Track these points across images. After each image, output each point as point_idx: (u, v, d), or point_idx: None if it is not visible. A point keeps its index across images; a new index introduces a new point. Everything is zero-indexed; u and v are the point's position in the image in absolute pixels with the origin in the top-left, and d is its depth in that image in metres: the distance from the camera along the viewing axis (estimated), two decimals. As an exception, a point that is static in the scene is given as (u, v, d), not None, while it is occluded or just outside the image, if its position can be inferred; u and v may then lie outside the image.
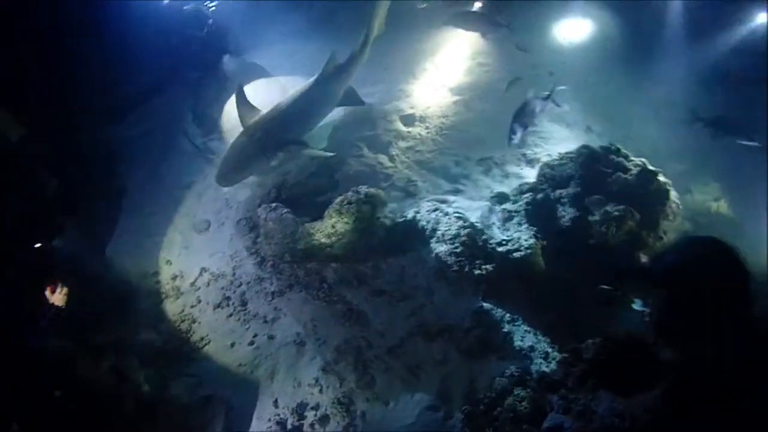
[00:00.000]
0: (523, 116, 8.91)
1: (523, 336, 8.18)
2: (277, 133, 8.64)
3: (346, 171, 10.01)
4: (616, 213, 8.53)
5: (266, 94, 11.02)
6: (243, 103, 9.78)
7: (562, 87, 9.85)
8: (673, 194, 9.25)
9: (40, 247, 7.81)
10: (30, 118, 8.95)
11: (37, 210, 8.02)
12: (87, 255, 8.69)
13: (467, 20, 11.81)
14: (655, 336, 4.28)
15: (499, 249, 8.47)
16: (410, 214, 9.09)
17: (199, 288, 9.03)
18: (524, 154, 10.99)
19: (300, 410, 7.51)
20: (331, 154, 9.66)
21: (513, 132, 8.83)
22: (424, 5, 13.36)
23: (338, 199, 8.60)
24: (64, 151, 9.49)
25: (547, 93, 9.36)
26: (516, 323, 8.19)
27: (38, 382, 6.30)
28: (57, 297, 7.25)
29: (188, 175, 10.78)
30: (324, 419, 7.40)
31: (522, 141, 9.44)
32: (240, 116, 9.62)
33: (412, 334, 8.07)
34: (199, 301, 8.84)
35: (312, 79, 9.47)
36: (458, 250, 8.25)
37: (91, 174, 9.88)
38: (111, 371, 7.12)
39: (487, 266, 8.16)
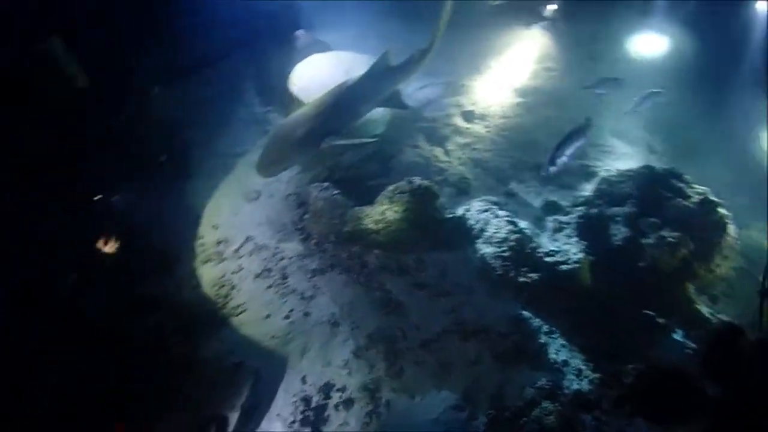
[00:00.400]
0: (569, 145, 8.06)
1: (559, 349, 8.07)
2: (318, 127, 8.50)
3: (400, 159, 9.94)
4: (671, 239, 8.34)
5: (328, 70, 10.96)
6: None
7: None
8: (732, 228, 9.00)
9: (99, 200, 7.92)
10: (96, 71, 9.00)
11: (100, 164, 8.10)
12: (140, 212, 8.75)
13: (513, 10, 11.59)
14: (702, 369, 4.15)
15: (547, 259, 8.38)
16: (460, 211, 9.02)
17: (242, 256, 9.06)
18: (583, 166, 10.78)
19: (326, 390, 7.47)
20: (372, 140, 9.44)
21: (552, 161, 7.98)
22: (497, 2, 13.19)
23: (391, 187, 8.55)
24: (127, 108, 9.56)
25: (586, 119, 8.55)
26: (553, 335, 8.08)
27: (80, 330, 6.39)
28: (108, 250, 7.35)
29: (243, 143, 10.78)
30: (348, 402, 7.36)
31: (560, 172, 8.27)
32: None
33: (448, 331, 8.00)
34: (241, 269, 8.85)
35: (360, 75, 9.28)
36: (505, 255, 8.16)
37: (150, 134, 9.95)
38: (149, 326, 7.18)
39: (533, 275, 8.06)
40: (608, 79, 10.23)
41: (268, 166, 8.34)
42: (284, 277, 8.60)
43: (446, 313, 8.18)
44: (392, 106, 9.84)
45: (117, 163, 8.60)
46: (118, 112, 9.22)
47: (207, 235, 9.41)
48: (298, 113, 8.63)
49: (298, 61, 10.95)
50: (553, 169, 7.92)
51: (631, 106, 9.93)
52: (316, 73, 10.76)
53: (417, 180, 8.58)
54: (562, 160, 7.90)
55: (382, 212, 8.39)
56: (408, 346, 7.87)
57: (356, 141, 8.95)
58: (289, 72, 10.93)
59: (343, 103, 8.57)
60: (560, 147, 7.92)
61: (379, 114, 10.34)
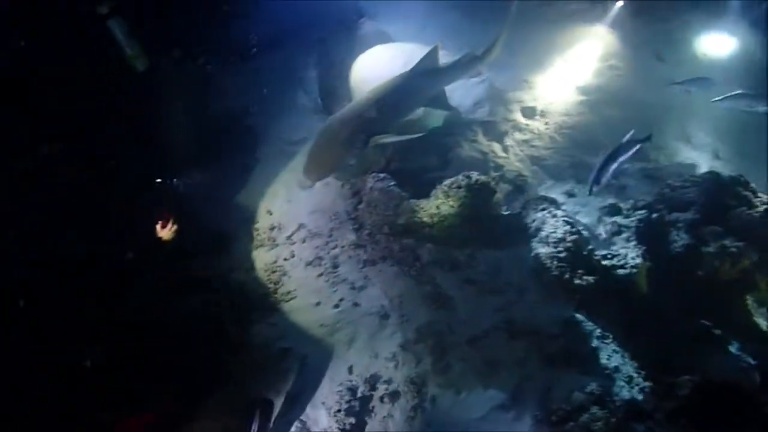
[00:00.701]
0: (614, 161, 7.52)
1: (610, 355, 7.89)
2: (363, 127, 8.37)
3: (457, 153, 9.85)
4: (734, 249, 8.07)
5: (390, 62, 10.90)
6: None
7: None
8: (798, 241, 8.65)
9: (161, 182, 8.05)
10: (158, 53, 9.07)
11: (163, 145, 8.20)
12: (199, 196, 8.84)
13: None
14: (760, 384, 3.99)
15: (604, 262, 8.18)
16: (516, 209, 8.88)
17: (295, 243, 9.10)
18: (644, 169, 10.52)
19: (372, 381, 7.46)
20: (418, 135, 9.01)
21: (597, 180, 7.46)
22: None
23: (448, 181, 8.47)
24: (188, 90, 9.64)
25: (647, 135, 8.18)
26: (605, 340, 7.91)
27: (133, 307, 6.48)
28: (165, 230, 7.47)
29: (302, 130, 10.80)
30: (394, 395, 7.33)
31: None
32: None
33: (497, 329, 7.88)
34: (293, 256, 8.89)
35: (405, 73, 9.00)
36: (561, 255, 8.00)
37: (212, 118, 10.02)
38: (201, 306, 7.26)
39: (589, 278, 7.88)
40: (699, 79, 9.90)
41: (315, 170, 8.24)
42: (335, 266, 8.61)
43: (496, 311, 8.07)
44: (437, 106, 9.67)
45: (179, 147, 8.68)
46: (180, 95, 9.29)
47: (262, 220, 9.49)
48: (342, 113, 8.55)
49: (361, 51, 10.90)
50: (596, 188, 7.52)
51: (721, 102, 9.44)
52: (378, 65, 10.71)
53: (474, 175, 8.46)
54: (607, 177, 7.49)
55: (437, 206, 8.32)
56: (456, 342, 7.79)
57: (404, 138, 8.74)
58: (351, 62, 10.91)
59: (389, 102, 8.46)
60: (605, 165, 7.47)
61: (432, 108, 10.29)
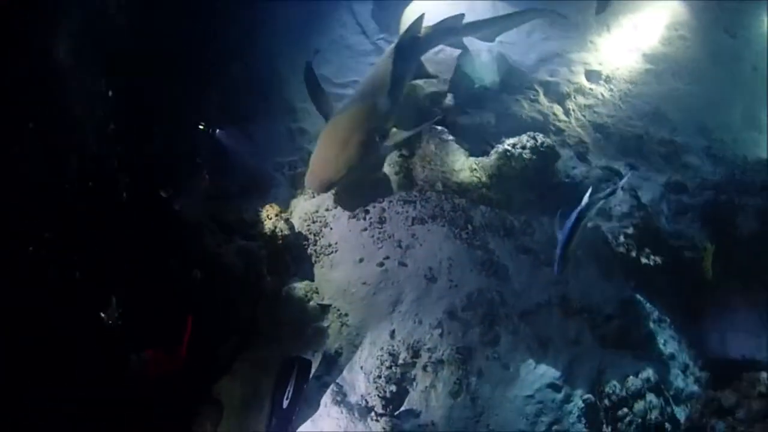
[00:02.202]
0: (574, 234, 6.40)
1: (667, 341, 7.51)
2: (376, 127, 7.73)
3: (516, 112, 9.22)
4: (807, 238, 7.51)
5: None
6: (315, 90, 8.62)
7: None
8: None
9: (203, 128, 7.51)
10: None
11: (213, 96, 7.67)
12: (243, 143, 8.24)
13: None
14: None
15: (671, 242, 7.60)
16: (579, 177, 8.27)
17: (338, 192, 8.49)
18: (708, 147, 9.88)
19: (416, 348, 6.94)
20: (436, 118, 8.35)
21: (561, 264, 6.34)
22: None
23: (511, 141, 7.85)
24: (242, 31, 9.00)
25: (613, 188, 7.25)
26: (662, 324, 7.51)
27: (171, 251, 5.98)
28: (206, 172, 6.99)
29: (353, 74, 10.05)
30: (438, 364, 6.84)
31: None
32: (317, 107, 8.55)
33: (550, 304, 7.46)
34: (335, 206, 8.31)
35: (391, 52, 8.30)
36: (629, 232, 7.44)
37: (254, 52, 9.36)
38: (239, 253, 6.74)
39: (656, 258, 7.33)
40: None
41: (324, 183, 7.62)
42: (381, 222, 8.02)
43: (550, 284, 7.59)
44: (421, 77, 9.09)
45: (225, 95, 8.12)
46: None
47: (304, 165, 8.87)
48: (348, 107, 7.95)
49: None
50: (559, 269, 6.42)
51: None
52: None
53: (540, 137, 7.85)
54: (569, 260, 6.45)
55: (498, 166, 7.72)
56: (506, 313, 7.31)
57: (421, 127, 8.09)
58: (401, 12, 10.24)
59: (392, 87, 7.89)
60: (567, 243, 6.35)
61: (494, 61, 9.65)
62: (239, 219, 7.32)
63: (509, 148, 7.73)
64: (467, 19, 9.13)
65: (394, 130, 7.79)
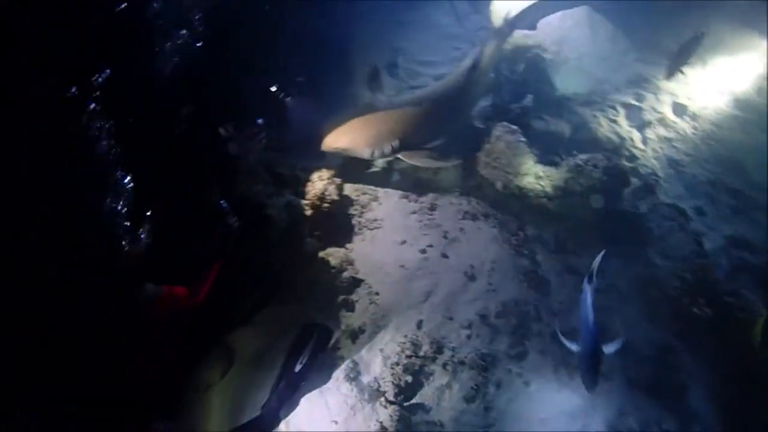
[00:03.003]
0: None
1: (698, 399, 7.05)
2: (398, 139, 7.58)
3: (593, 128, 8.83)
4: None
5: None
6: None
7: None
8: None
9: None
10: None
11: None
12: (303, 104, 7.99)
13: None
14: None
15: (725, 299, 7.20)
16: (643, 208, 7.89)
17: (395, 169, 8.25)
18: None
19: (440, 344, 6.71)
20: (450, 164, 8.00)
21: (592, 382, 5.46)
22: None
23: (584, 156, 7.53)
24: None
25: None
26: (698, 382, 7.06)
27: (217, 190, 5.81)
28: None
29: (434, 54, 9.71)
30: (459, 365, 6.60)
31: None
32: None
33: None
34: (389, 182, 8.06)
35: (454, 77, 8.10)
36: (686, 277, 7.05)
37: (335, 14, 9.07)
38: (285, 208, 6.54)
39: (708, 310, 6.94)
40: None
41: (335, 142, 7.55)
42: (432, 208, 7.77)
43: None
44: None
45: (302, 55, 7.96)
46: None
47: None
48: (390, 110, 7.86)
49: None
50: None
51: None
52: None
53: (615, 159, 7.52)
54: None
55: (565, 179, 7.38)
56: (539, 330, 7.04)
57: (434, 165, 7.81)
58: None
59: (435, 117, 7.85)
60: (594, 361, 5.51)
61: (581, 73, 9.28)
62: (293, 175, 7.12)
63: (581, 163, 7.39)
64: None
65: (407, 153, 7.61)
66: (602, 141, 8.64)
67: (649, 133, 9.15)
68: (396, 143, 7.49)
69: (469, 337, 6.82)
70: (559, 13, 9.81)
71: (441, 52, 9.46)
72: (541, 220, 7.64)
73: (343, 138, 7.51)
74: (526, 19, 8.65)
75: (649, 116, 9.31)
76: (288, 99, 7.80)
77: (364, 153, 7.53)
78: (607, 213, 7.61)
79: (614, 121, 9.06)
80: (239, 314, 6.35)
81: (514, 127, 7.71)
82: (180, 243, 5.65)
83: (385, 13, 9.61)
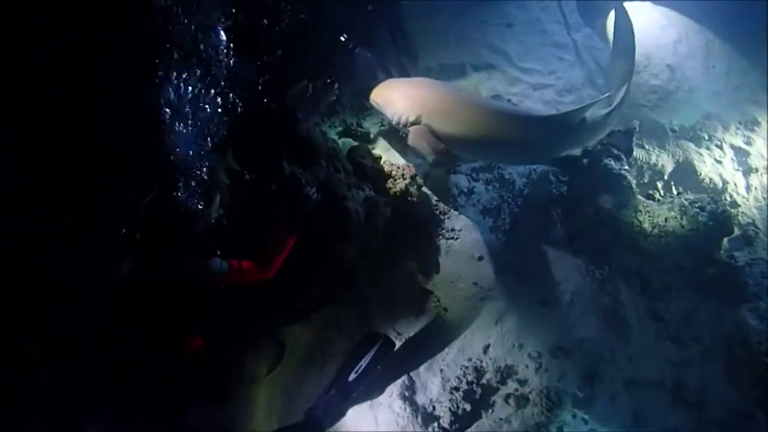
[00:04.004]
0: None
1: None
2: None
3: (695, 166, 8.14)
4: None
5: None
6: None
7: None
8: None
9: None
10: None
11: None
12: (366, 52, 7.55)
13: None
14: None
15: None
16: (741, 260, 7.25)
17: (479, 180, 7.64)
18: None
19: (505, 374, 6.26)
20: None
21: None
22: None
23: (691, 196, 6.94)
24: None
25: None
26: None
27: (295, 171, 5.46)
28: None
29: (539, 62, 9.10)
30: (521, 400, 6.15)
31: None
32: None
33: (661, 383, 6.59)
34: (472, 191, 7.49)
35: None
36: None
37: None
38: (364, 203, 6.13)
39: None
40: None
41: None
42: (514, 226, 7.26)
43: (669, 364, 6.72)
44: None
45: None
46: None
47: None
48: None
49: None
50: None
51: None
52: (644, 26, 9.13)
53: (723, 204, 6.89)
54: None
55: (666, 218, 6.78)
56: (611, 376, 6.54)
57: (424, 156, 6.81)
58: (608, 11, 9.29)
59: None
60: None
61: (687, 104, 8.66)
62: (375, 168, 6.68)
63: (686, 203, 6.79)
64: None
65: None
66: (704, 181, 7.98)
67: (754, 180, 8.43)
68: (417, 118, 6.59)
69: (537, 370, 6.35)
70: (674, 37, 9.18)
71: (543, 61, 8.87)
72: (632, 257, 7.06)
73: (382, 94, 6.84)
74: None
75: (756, 162, 8.58)
76: (357, 49, 7.32)
77: (390, 116, 6.81)
78: (704, 260, 6.99)
79: (719, 162, 8.38)
80: (298, 306, 5.96)
81: (616, 151, 7.11)
82: (253, 212, 5.29)
83: (490, 14, 9.07)
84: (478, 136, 6.56)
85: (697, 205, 6.76)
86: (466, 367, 6.17)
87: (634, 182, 7.07)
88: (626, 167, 7.02)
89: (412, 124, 6.58)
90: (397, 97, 6.68)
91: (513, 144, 6.77)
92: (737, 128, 8.81)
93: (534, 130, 6.74)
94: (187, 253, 4.78)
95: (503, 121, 6.66)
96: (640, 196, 7.00)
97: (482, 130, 6.56)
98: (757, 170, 8.51)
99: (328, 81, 6.95)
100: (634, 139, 7.37)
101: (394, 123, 6.74)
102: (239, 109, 5.08)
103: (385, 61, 7.73)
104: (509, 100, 8.22)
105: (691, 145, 8.32)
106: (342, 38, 7.04)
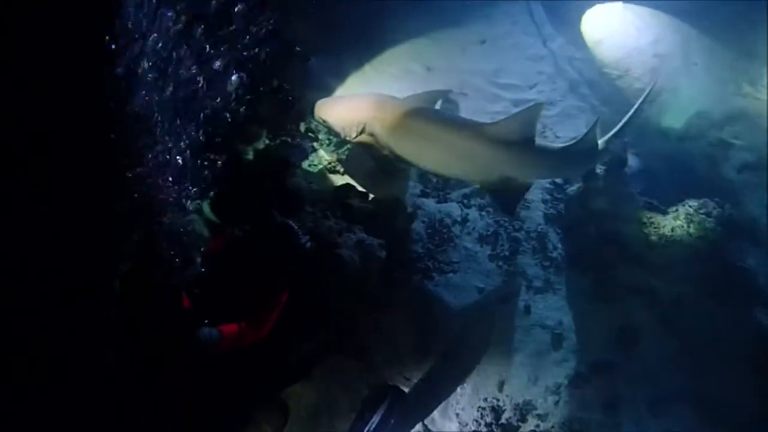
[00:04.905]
0: None
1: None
2: None
3: (692, 168, 7.91)
4: None
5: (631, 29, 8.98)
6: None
7: None
8: None
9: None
10: None
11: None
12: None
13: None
14: None
15: None
16: (751, 263, 6.99)
17: (471, 207, 7.31)
18: None
19: (524, 411, 5.93)
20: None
21: None
22: None
23: (695, 203, 6.69)
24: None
25: None
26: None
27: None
28: None
29: (516, 77, 8.78)
30: (545, 437, 5.79)
31: None
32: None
33: (684, 400, 6.29)
34: (466, 220, 7.18)
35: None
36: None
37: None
38: (357, 247, 5.76)
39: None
40: None
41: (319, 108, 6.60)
42: (513, 253, 6.93)
43: (692, 377, 6.42)
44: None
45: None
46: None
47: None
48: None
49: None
50: None
51: None
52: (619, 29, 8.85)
53: (728, 207, 6.63)
54: None
55: (672, 228, 6.51)
56: (632, 397, 6.24)
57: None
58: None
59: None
60: None
61: (674, 106, 8.41)
62: (364, 207, 6.32)
63: (692, 211, 6.52)
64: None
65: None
66: (703, 183, 7.72)
67: (752, 177, 8.18)
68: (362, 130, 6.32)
69: (556, 403, 6.03)
70: (651, 38, 8.93)
71: (521, 75, 8.56)
72: (639, 272, 6.76)
73: (327, 109, 6.59)
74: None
75: (749, 157, 8.35)
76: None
77: (338, 130, 6.54)
78: (713, 265, 6.71)
79: (713, 161, 8.14)
80: (297, 362, 5.57)
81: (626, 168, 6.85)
82: (237, 268, 4.90)
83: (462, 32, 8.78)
84: (419, 147, 6.19)
85: (702, 212, 6.52)
86: (483, 408, 5.86)
87: (634, 194, 6.79)
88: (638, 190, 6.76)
89: (358, 135, 6.34)
90: (343, 111, 6.44)
91: (457, 157, 6.17)
92: (727, 124, 8.55)
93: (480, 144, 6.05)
94: (170, 326, 4.40)
95: (447, 132, 6.17)
96: (643, 209, 6.72)
97: (423, 140, 6.17)
98: (752, 166, 8.27)
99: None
100: (628, 148, 7.12)
101: (342, 137, 6.48)
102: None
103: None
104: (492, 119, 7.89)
105: (684, 147, 8.08)
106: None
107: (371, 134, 6.25)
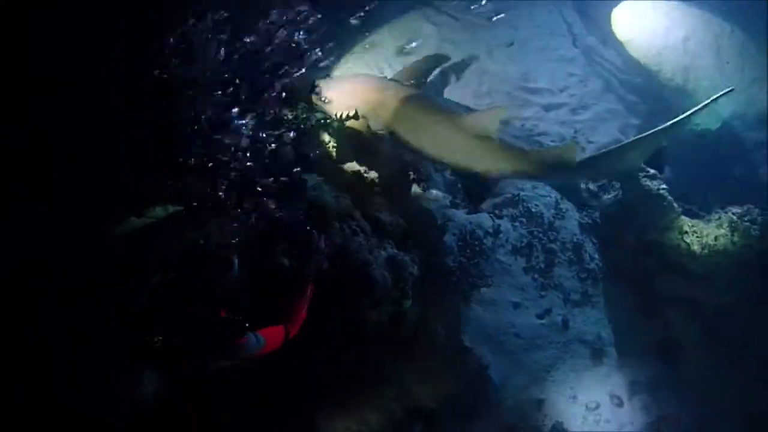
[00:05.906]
0: None
1: None
2: None
3: (729, 172, 7.63)
4: None
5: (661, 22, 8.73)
6: None
7: None
8: None
9: None
10: None
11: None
12: None
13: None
14: None
15: None
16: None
17: (502, 217, 7.04)
18: None
19: (563, 430, 5.67)
20: None
21: None
22: None
23: (737, 210, 6.40)
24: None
25: None
26: None
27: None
28: None
29: (546, 80, 8.47)
30: (585, 460, 5.56)
31: None
32: None
33: (733, 418, 6.11)
34: (499, 231, 6.89)
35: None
36: None
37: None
38: (388, 264, 5.54)
39: None
40: None
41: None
42: (549, 265, 6.67)
43: (736, 390, 6.24)
44: None
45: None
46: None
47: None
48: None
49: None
50: None
51: None
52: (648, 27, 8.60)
53: (776, 217, 6.38)
54: None
55: (715, 236, 6.24)
56: (677, 414, 6.04)
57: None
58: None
59: None
60: None
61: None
62: (395, 223, 6.08)
63: (735, 218, 6.24)
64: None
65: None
66: (741, 187, 7.46)
67: (787, 178, 7.93)
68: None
69: (598, 422, 5.76)
70: (681, 35, 8.62)
71: (551, 78, 8.24)
72: (681, 282, 6.50)
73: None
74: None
75: (785, 158, 8.07)
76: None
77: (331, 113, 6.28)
78: (759, 275, 6.44)
79: (751, 164, 7.86)
80: (322, 382, 5.37)
81: (652, 171, 6.55)
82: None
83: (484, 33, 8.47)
84: (408, 128, 5.92)
85: (747, 219, 6.25)
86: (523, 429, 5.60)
87: (674, 202, 6.51)
88: (664, 186, 6.46)
89: (351, 118, 6.12)
90: (337, 95, 6.17)
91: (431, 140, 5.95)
92: (759, 125, 8.26)
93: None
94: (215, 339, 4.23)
95: (423, 116, 5.95)
96: (684, 216, 6.44)
97: (411, 122, 5.93)
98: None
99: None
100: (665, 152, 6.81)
101: (336, 119, 6.27)
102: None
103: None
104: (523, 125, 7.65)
105: (719, 151, 7.84)
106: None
107: (363, 117, 6.05)
